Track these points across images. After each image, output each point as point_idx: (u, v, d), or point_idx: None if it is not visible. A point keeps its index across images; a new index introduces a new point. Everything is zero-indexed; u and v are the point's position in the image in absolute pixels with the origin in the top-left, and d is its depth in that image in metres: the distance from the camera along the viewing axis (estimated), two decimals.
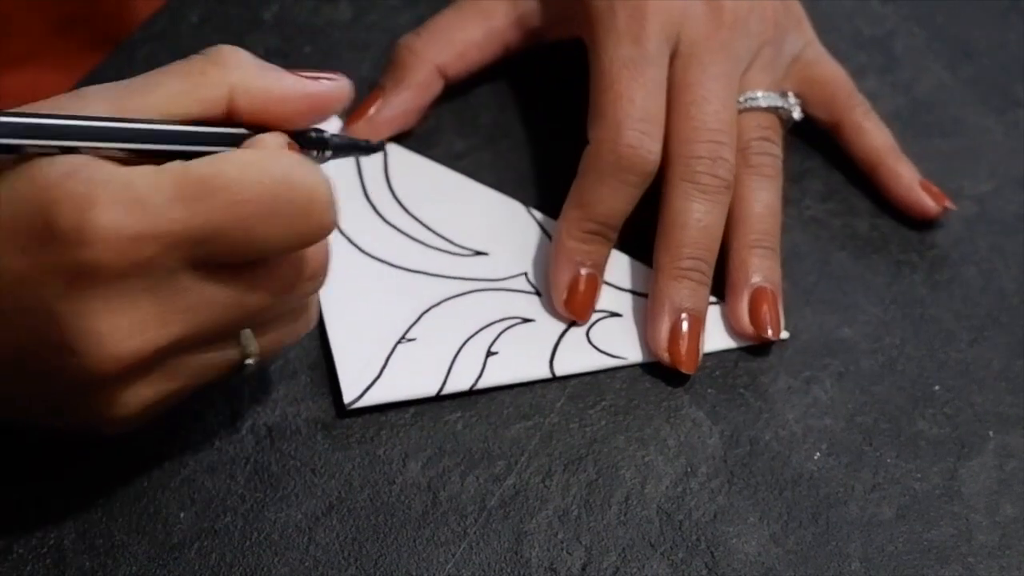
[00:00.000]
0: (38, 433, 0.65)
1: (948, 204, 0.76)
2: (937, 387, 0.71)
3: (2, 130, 0.55)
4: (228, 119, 0.60)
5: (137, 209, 0.55)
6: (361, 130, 0.75)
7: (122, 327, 0.56)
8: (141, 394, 0.59)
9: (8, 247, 0.56)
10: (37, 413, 0.62)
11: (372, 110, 0.76)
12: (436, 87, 0.77)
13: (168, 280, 0.56)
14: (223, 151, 0.58)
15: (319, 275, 0.61)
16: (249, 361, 0.61)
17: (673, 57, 0.73)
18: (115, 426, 0.61)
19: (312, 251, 0.60)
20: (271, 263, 0.59)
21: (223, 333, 0.60)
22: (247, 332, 0.60)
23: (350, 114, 0.75)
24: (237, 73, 0.59)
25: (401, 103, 0.76)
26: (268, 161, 0.57)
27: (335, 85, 0.61)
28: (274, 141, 0.60)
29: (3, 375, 0.59)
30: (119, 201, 0.55)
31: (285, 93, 0.60)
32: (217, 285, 0.58)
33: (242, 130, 0.60)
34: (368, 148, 0.65)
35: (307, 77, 0.61)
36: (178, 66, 0.59)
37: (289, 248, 0.59)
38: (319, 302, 0.66)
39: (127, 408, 0.59)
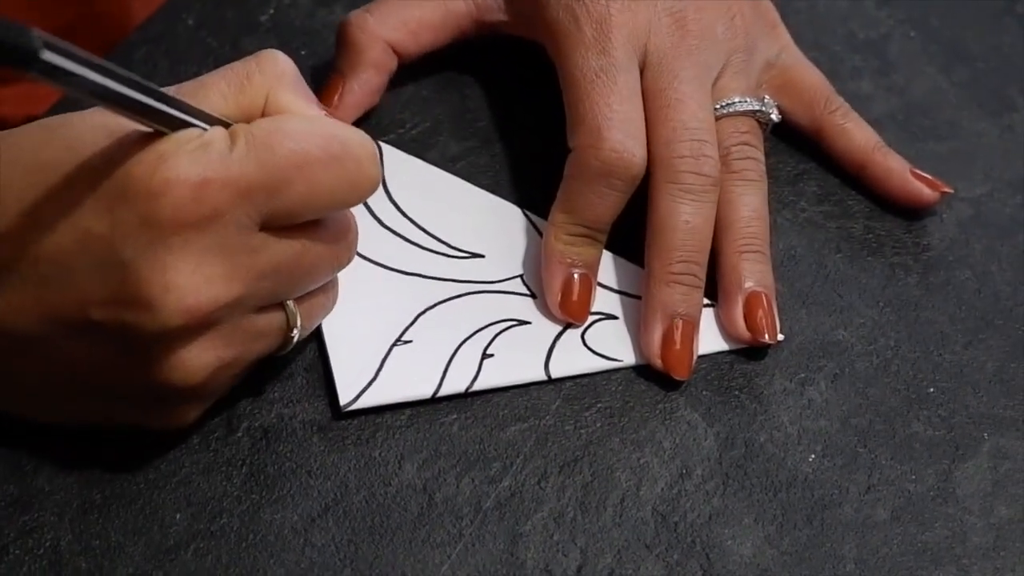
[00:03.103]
0: (35, 434, 0.65)
1: (945, 189, 0.76)
2: (932, 389, 0.71)
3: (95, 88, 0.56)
4: None
5: (209, 159, 0.58)
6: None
7: (193, 281, 0.59)
8: (203, 357, 0.61)
9: (91, 206, 0.58)
10: (97, 401, 0.63)
11: (336, 98, 0.76)
12: (391, 65, 0.77)
13: (237, 236, 0.59)
14: None
15: (355, 244, 0.65)
16: (294, 332, 0.64)
17: (643, 68, 0.73)
18: (170, 406, 0.63)
19: (350, 216, 0.65)
20: (322, 224, 0.63)
21: (276, 296, 0.62)
22: (291, 303, 0.63)
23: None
24: (275, 83, 0.62)
25: (362, 85, 0.76)
26: (320, 120, 0.62)
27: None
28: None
29: (68, 375, 0.62)
30: (191, 154, 0.58)
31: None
32: (279, 244, 0.61)
33: None
34: None
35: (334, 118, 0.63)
36: (229, 69, 0.63)
37: (344, 201, 0.62)
38: (338, 283, 0.67)
39: (190, 372, 0.61)
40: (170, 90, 0.61)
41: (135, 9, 0.89)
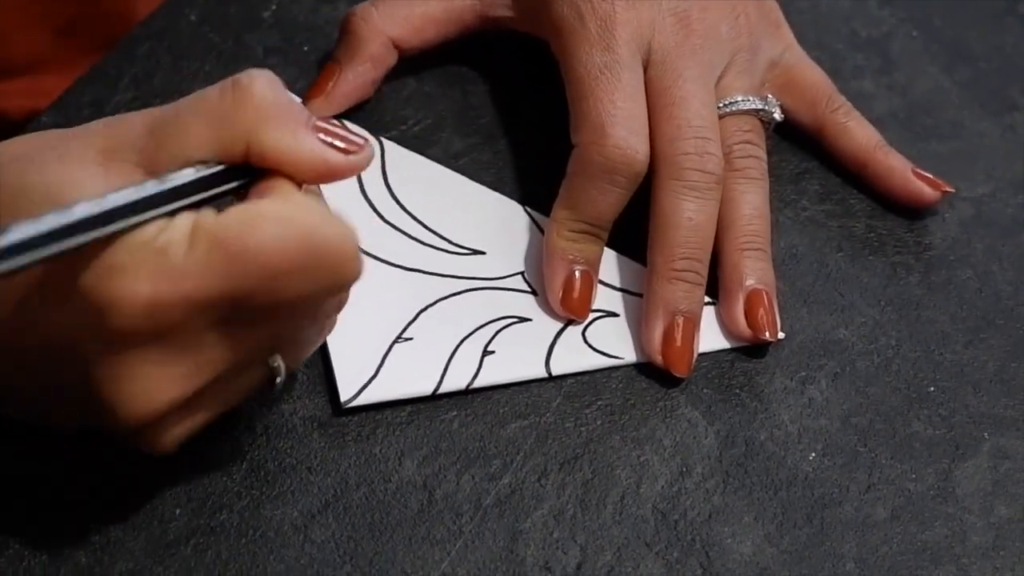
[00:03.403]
0: (34, 429, 0.65)
1: (946, 188, 0.76)
2: (932, 388, 0.71)
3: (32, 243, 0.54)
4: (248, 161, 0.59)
5: (165, 276, 0.55)
6: (319, 107, 0.75)
7: (151, 388, 0.57)
8: (175, 433, 0.60)
9: (57, 307, 0.57)
10: (80, 426, 0.63)
11: (330, 85, 0.76)
12: (390, 60, 0.77)
13: (196, 339, 0.57)
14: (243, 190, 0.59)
15: (343, 303, 0.62)
16: (279, 379, 0.61)
17: (646, 67, 0.73)
18: (157, 453, 0.61)
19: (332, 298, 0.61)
20: (295, 313, 0.59)
21: (251, 366, 0.60)
22: (274, 356, 0.61)
23: (309, 90, 0.76)
24: (254, 123, 0.58)
25: (356, 76, 0.76)
26: (296, 219, 0.56)
27: (357, 159, 0.60)
28: (290, 186, 0.59)
29: (52, 401, 0.61)
30: (148, 269, 0.55)
31: (299, 157, 0.59)
32: (243, 337, 0.58)
33: (252, 175, 0.59)
34: None
35: (331, 139, 0.59)
36: (204, 104, 0.58)
37: (316, 301, 0.59)
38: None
39: (165, 444, 0.60)
40: (146, 127, 0.58)
41: (138, 6, 0.88)
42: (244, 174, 0.59)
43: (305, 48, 0.79)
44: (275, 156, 0.58)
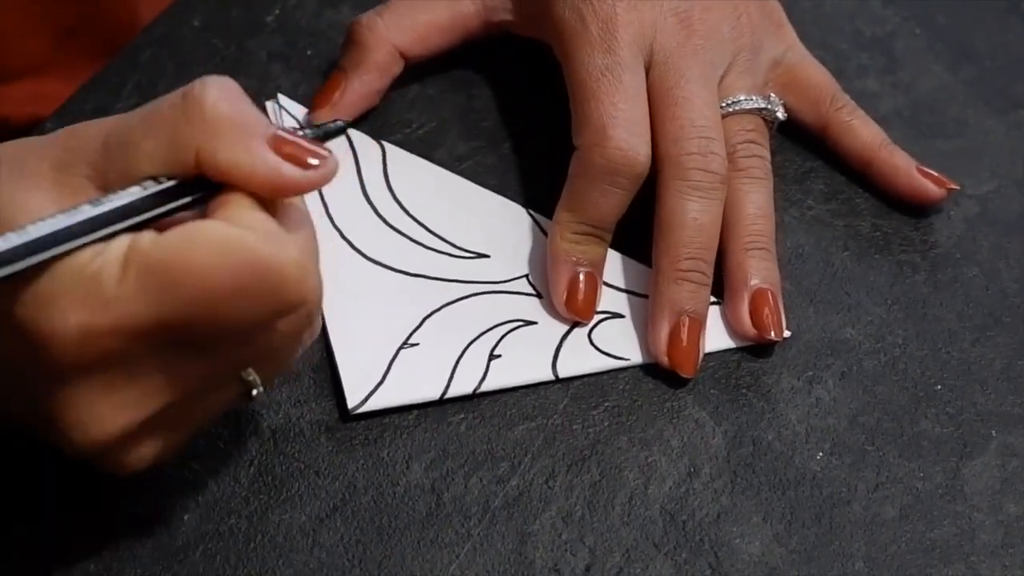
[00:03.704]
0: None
1: (951, 186, 0.76)
2: (940, 387, 0.71)
3: None
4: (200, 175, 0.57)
5: (98, 305, 0.54)
6: (325, 116, 0.75)
7: (101, 415, 0.56)
8: (143, 453, 0.59)
9: (4, 337, 0.55)
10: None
11: (336, 95, 0.76)
12: (396, 68, 0.77)
13: (140, 364, 0.56)
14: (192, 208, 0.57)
15: (312, 319, 0.59)
16: (256, 391, 0.59)
17: (648, 68, 0.73)
18: (126, 474, 0.61)
19: (287, 320, 0.58)
20: (247, 338, 0.57)
21: (217, 384, 0.59)
22: (248, 371, 0.59)
23: (315, 98, 0.76)
24: (204, 137, 0.56)
25: (363, 86, 0.76)
26: (234, 242, 0.55)
27: (315, 175, 0.57)
28: (243, 202, 0.57)
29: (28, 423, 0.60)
30: (77, 298, 0.54)
31: (252, 172, 0.56)
32: (195, 359, 0.57)
33: (208, 188, 0.57)
34: (336, 131, 0.63)
35: (291, 152, 0.57)
36: (155, 118, 0.57)
37: (261, 324, 0.57)
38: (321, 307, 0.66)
39: (131, 465, 0.59)
40: (99, 138, 0.57)
41: (141, 10, 0.88)
42: (200, 187, 0.57)
43: (308, 53, 0.79)
44: (227, 171, 0.56)
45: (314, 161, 0.57)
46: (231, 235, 0.55)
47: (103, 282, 0.54)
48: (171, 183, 0.57)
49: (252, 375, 0.59)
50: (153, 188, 0.56)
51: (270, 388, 0.62)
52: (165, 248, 0.54)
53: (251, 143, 0.56)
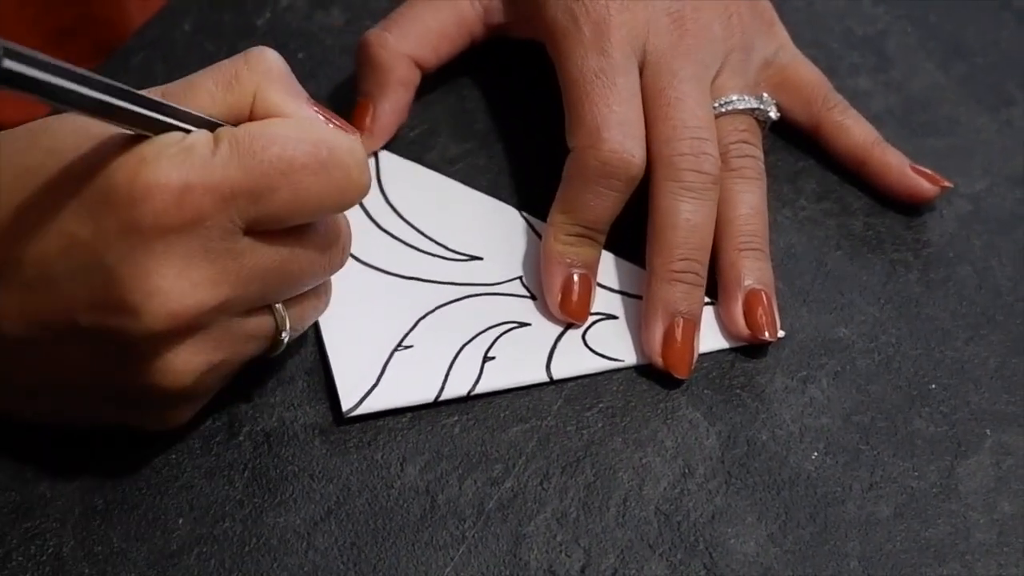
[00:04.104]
0: (36, 440, 0.65)
1: (944, 183, 0.76)
2: (933, 385, 0.71)
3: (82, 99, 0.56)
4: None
5: (192, 163, 0.58)
6: (364, 144, 0.74)
7: (178, 286, 0.58)
8: (191, 359, 0.61)
9: (74, 211, 0.58)
10: (90, 403, 0.63)
11: (368, 120, 0.75)
12: (416, 80, 0.77)
13: (222, 240, 0.59)
14: None
15: (347, 248, 0.65)
16: (283, 335, 0.63)
17: (641, 68, 0.73)
18: (164, 408, 0.63)
19: (342, 220, 0.64)
20: (311, 229, 0.62)
21: (264, 299, 0.62)
22: (279, 306, 0.63)
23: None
24: (263, 81, 0.61)
25: (392, 105, 0.76)
26: (309, 124, 0.61)
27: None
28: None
29: (59, 376, 0.62)
30: (173, 158, 0.58)
31: (300, 117, 0.62)
32: (265, 249, 0.60)
33: None
34: None
35: (327, 118, 0.62)
36: (217, 69, 0.62)
37: (331, 207, 0.62)
38: (331, 285, 0.67)
39: (178, 376, 0.61)
40: (158, 91, 0.61)
41: (132, 12, 0.89)
42: None
43: (300, 55, 0.79)
44: (277, 111, 0.61)
45: (346, 128, 0.63)
46: (306, 120, 0.61)
47: (198, 151, 0.59)
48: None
49: (283, 314, 0.63)
50: (217, 122, 0.61)
51: (295, 333, 0.65)
52: (250, 126, 0.60)
53: (300, 98, 0.62)
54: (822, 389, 0.71)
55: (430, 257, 0.73)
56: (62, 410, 0.64)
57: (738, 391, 0.70)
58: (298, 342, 0.69)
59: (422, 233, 0.74)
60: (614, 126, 0.71)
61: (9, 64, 0.52)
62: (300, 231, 0.62)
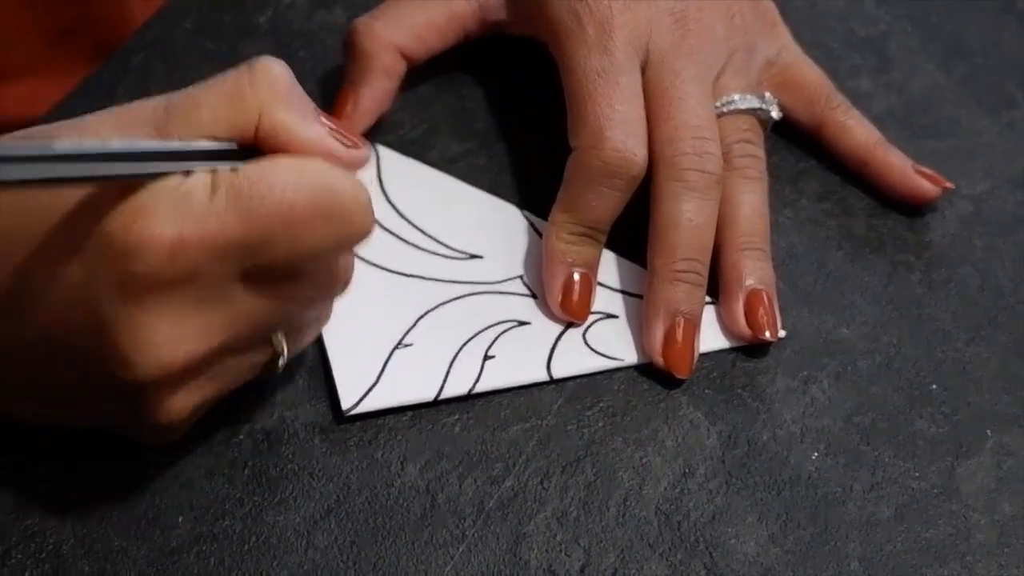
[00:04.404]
0: (37, 439, 0.65)
1: (946, 184, 0.76)
2: (934, 386, 0.71)
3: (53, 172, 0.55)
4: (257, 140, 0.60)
5: (187, 214, 0.56)
6: (343, 128, 0.75)
7: (170, 338, 0.57)
8: (185, 400, 0.60)
9: (70, 258, 0.57)
10: (86, 419, 0.63)
11: (349, 106, 0.75)
12: (401, 69, 0.76)
13: (216, 291, 0.58)
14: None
15: (349, 281, 0.63)
16: (281, 360, 0.63)
17: (644, 68, 0.73)
18: (160, 433, 0.62)
19: (343, 258, 0.62)
20: (309, 272, 0.60)
21: (260, 338, 0.61)
22: (278, 334, 0.62)
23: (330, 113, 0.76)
24: (268, 99, 0.59)
25: (373, 92, 0.76)
26: (312, 168, 0.58)
27: (357, 154, 0.62)
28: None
29: (56, 381, 0.61)
30: (172, 211, 0.56)
31: (308, 138, 0.60)
32: (259, 296, 0.59)
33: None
34: None
35: (336, 132, 0.61)
36: (220, 84, 0.60)
37: (331, 252, 0.61)
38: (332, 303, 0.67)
39: (173, 414, 0.60)
40: (161, 106, 0.60)
41: (134, 11, 0.88)
42: (253, 156, 0.60)
43: (301, 54, 0.79)
44: (285, 133, 0.59)
45: (355, 143, 0.62)
46: (309, 163, 0.59)
47: (195, 199, 0.57)
48: (233, 145, 0.59)
49: (281, 342, 0.62)
50: (220, 145, 0.59)
51: (293, 354, 0.64)
52: (249, 172, 0.58)
53: (306, 112, 0.60)
54: (823, 389, 0.71)
55: (430, 255, 0.73)
56: (62, 410, 0.64)
57: (739, 391, 0.70)
58: None
59: (422, 231, 0.74)
60: (616, 126, 0.70)
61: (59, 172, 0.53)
62: (298, 274, 0.60)
